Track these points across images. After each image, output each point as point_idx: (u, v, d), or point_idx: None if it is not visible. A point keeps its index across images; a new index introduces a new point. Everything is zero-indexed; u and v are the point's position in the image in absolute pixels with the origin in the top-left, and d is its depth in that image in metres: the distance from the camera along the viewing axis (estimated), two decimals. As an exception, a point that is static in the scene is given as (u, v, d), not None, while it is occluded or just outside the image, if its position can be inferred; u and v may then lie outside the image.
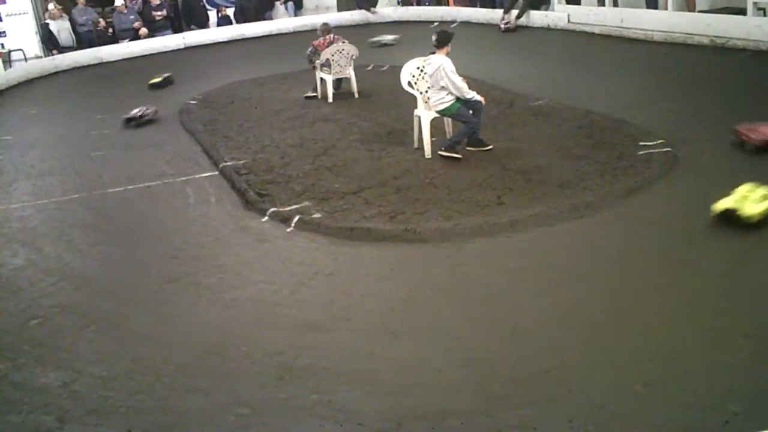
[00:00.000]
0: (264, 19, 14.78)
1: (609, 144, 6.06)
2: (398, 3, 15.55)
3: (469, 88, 6.06)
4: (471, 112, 6.10)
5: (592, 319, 3.49)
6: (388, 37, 12.43)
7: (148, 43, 13.54)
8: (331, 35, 8.97)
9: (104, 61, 13.08)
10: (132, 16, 13.52)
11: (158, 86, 10.55)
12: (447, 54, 6.05)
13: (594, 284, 3.85)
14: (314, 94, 9.08)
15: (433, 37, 6.10)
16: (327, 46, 8.78)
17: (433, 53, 6.07)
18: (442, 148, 6.06)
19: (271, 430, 2.89)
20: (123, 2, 13.35)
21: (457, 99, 6.01)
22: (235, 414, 2.98)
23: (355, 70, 8.92)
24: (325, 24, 9.37)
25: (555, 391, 2.95)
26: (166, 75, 10.79)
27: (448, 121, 6.41)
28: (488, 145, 6.14)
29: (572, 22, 11.56)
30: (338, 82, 9.03)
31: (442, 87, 5.96)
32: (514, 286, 3.93)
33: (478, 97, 6.02)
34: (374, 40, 12.21)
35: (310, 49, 9.03)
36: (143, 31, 13.51)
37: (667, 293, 3.66)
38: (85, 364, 3.44)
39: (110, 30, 13.54)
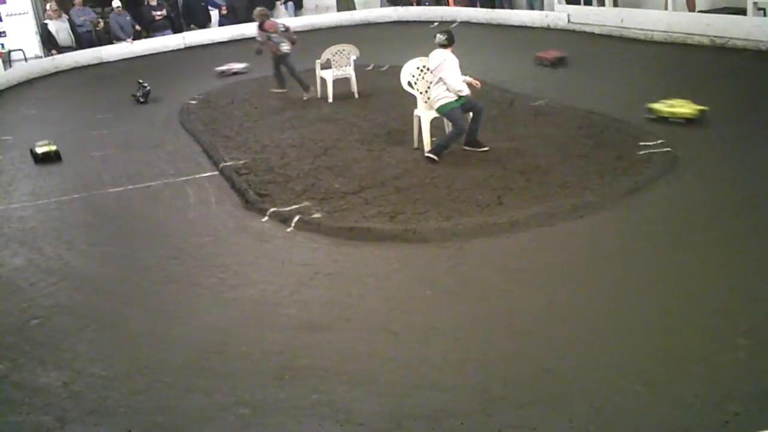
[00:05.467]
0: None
1: (609, 144, 6.06)
2: (388, 3, 15.44)
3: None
4: (471, 114, 6.12)
5: (592, 319, 3.49)
6: (238, 66, 11.17)
7: (148, 43, 13.52)
8: (270, 18, 9.32)
9: (104, 61, 13.07)
10: (128, 18, 13.47)
11: None
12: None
13: (594, 284, 3.85)
14: (307, 95, 9.07)
15: (442, 37, 6.14)
16: (275, 26, 9.06)
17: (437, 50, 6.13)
18: (429, 149, 6.09)
19: (271, 430, 2.90)
20: (119, 4, 13.31)
21: (456, 99, 6.02)
22: (235, 414, 2.98)
23: (355, 70, 8.92)
24: (261, 8, 9.50)
25: (555, 391, 2.95)
26: None
27: (447, 121, 6.41)
28: (485, 147, 6.15)
29: (572, 22, 11.56)
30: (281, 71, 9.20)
31: (441, 78, 5.98)
32: (513, 286, 3.93)
33: (466, 91, 6.04)
34: (221, 69, 11.12)
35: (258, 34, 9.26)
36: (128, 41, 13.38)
37: (666, 293, 3.66)
38: (85, 364, 3.45)
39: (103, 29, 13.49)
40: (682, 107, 6.43)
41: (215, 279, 4.32)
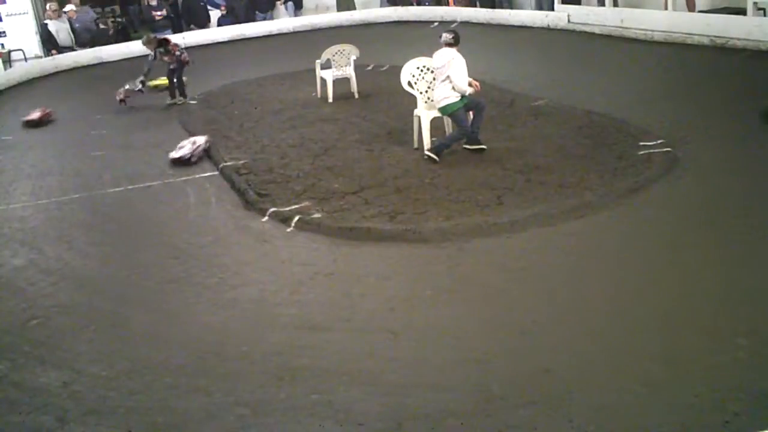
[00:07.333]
0: (256, 20, 14.75)
1: (609, 144, 6.06)
2: (388, 3, 15.44)
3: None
4: (473, 112, 6.12)
5: (592, 319, 3.49)
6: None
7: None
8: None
9: (104, 61, 13.07)
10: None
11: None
12: None
13: (594, 284, 3.85)
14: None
15: (449, 35, 6.12)
16: (177, 49, 9.29)
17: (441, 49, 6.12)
18: (429, 148, 6.08)
19: (271, 430, 2.89)
20: (73, 7, 13.32)
21: (461, 99, 6.01)
22: (235, 414, 2.98)
23: (355, 70, 8.92)
24: (147, 36, 9.75)
25: (555, 391, 2.94)
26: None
27: (447, 121, 6.41)
28: (484, 146, 6.14)
29: (572, 22, 11.56)
30: None
31: (448, 77, 5.96)
32: (514, 286, 3.93)
33: (470, 90, 6.04)
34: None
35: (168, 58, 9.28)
36: None
37: (666, 293, 3.66)
38: (85, 364, 3.44)
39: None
40: None
41: (215, 279, 4.32)
